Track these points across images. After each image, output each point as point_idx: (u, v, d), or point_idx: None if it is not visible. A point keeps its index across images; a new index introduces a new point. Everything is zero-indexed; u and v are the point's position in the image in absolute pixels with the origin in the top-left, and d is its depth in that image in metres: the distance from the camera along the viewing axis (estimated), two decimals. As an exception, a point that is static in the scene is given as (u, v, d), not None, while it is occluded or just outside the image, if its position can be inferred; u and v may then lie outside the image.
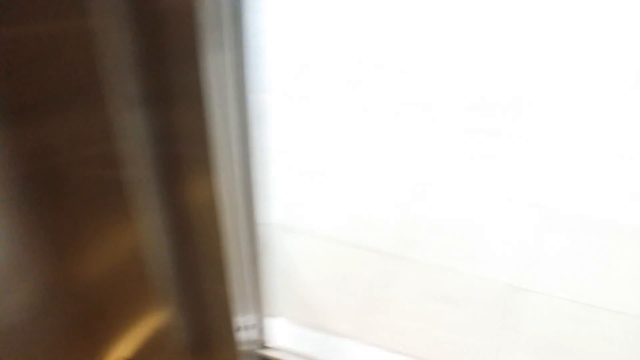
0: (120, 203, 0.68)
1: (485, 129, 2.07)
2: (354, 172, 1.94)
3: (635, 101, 2.12)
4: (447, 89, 2.32)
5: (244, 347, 0.99)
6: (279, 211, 1.71)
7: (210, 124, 0.66)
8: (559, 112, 2.11)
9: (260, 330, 1.09)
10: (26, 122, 0.60)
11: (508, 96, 2.23)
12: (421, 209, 1.76)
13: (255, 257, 0.92)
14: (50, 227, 0.68)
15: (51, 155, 0.63)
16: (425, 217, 1.73)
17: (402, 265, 1.58)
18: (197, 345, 0.95)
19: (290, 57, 2.60)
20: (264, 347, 1.13)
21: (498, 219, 1.70)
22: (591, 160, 1.87)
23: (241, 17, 0.67)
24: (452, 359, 1.31)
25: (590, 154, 1.90)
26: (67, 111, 0.61)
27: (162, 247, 0.77)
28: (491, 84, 2.32)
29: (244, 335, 0.98)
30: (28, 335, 0.72)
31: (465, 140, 2.03)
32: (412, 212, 1.75)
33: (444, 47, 2.63)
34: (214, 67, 0.64)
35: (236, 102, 0.74)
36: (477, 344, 1.35)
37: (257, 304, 1.00)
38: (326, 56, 2.60)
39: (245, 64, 0.71)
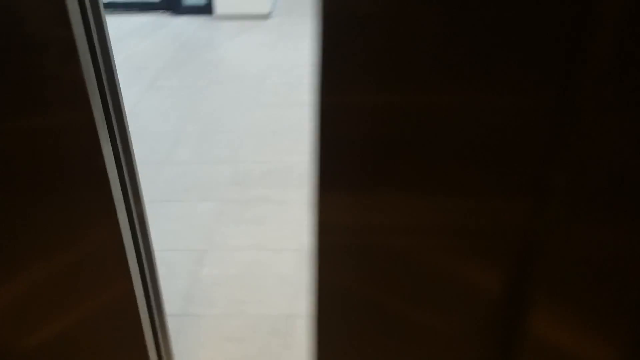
0: None
1: (247, 199, 2.43)
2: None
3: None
4: (213, 170, 2.66)
5: None
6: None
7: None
8: (292, 177, 2.59)
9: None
10: None
11: (262, 170, 2.65)
12: (209, 272, 1.99)
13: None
14: None
15: None
16: (212, 277, 1.96)
17: (196, 320, 1.77)
18: None
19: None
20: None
21: (271, 266, 2.02)
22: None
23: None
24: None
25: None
26: None
27: None
28: (249, 162, 2.73)
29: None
30: None
31: (234, 209, 2.36)
32: (200, 276, 1.97)
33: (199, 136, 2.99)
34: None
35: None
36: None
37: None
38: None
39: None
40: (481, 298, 1.06)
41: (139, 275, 1.07)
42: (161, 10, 5.01)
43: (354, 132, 0.83)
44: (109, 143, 0.89)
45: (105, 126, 0.87)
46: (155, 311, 1.19)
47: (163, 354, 1.25)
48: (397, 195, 0.90)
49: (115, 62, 0.93)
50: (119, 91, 0.93)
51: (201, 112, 3.25)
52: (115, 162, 0.93)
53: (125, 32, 4.55)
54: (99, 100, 0.84)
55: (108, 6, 4.81)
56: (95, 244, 0.96)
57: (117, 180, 0.94)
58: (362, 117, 0.81)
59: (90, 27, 0.78)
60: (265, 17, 4.86)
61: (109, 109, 0.89)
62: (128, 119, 0.99)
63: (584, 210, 0.90)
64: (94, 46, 0.81)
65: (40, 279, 1.00)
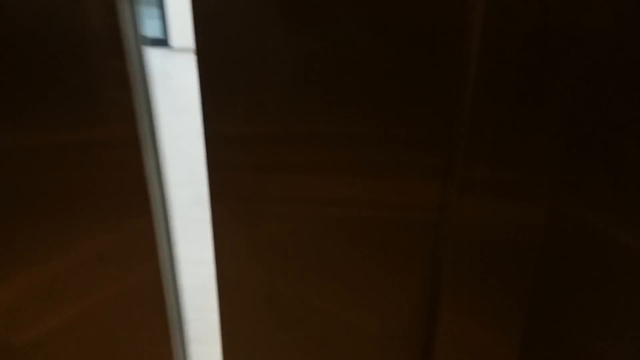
0: None
1: (208, 218, 2.61)
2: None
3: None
4: (174, 192, 2.82)
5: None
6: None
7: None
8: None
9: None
10: None
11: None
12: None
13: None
14: None
15: None
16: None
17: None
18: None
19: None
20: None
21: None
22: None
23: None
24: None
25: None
26: None
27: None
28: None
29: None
30: None
31: (195, 227, 2.52)
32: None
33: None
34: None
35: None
36: None
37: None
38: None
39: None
40: (397, 294, 1.18)
41: (167, 260, 1.23)
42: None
43: (236, 153, 1.05)
44: (152, 152, 1.09)
45: (149, 139, 1.07)
46: (177, 295, 1.33)
47: (183, 338, 1.37)
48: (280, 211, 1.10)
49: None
50: (155, 113, 1.12)
51: (161, 139, 3.41)
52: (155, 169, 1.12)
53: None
54: (146, 118, 1.04)
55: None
56: (130, 233, 1.13)
57: (157, 181, 1.11)
58: (241, 142, 1.03)
59: (141, 60, 0.99)
60: (221, 50, 5.08)
61: (150, 126, 1.09)
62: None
63: (472, 192, 1.04)
64: (142, 75, 1.01)
65: (75, 261, 1.13)
